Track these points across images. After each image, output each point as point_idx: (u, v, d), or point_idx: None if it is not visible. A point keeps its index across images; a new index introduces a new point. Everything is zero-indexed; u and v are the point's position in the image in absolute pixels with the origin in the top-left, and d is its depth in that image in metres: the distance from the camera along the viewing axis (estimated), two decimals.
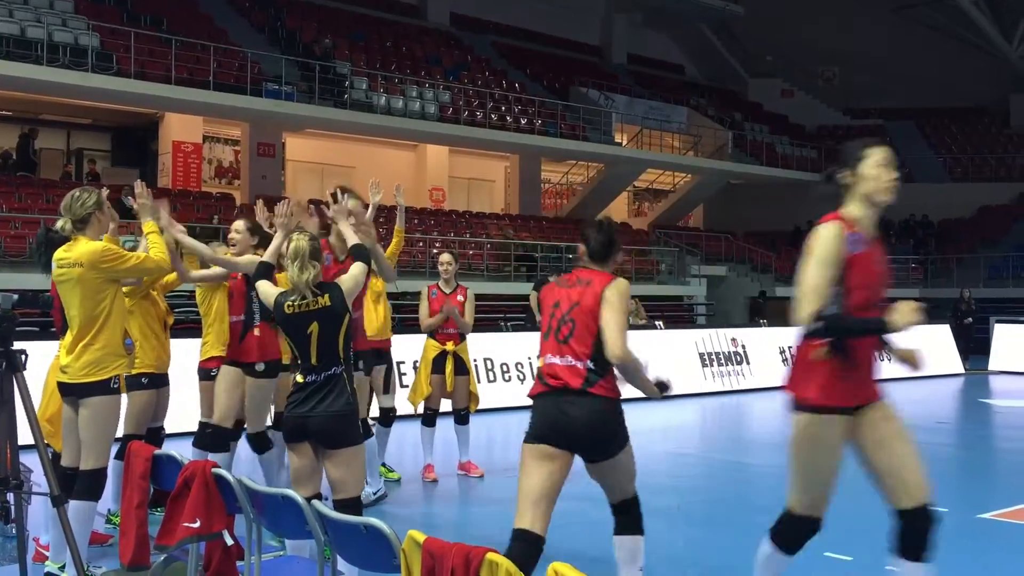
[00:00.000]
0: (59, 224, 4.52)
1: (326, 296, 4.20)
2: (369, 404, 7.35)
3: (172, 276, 5.84)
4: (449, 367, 7.34)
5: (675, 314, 22.20)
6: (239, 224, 5.85)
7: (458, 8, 28.39)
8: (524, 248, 21.73)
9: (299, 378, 4.22)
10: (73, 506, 4.35)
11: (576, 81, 27.27)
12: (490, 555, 2.73)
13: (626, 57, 32.06)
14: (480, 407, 10.30)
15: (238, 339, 5.69)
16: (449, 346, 7.37)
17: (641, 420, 11.70)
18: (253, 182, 21.50)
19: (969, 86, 32.06)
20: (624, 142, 26.56)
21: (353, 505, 4.19)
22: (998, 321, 19.15)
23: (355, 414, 4.28)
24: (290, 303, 4.20)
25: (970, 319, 19.54)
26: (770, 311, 22.98)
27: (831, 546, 5.49)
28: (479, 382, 11.48)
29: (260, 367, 5.65)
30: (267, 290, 4.39)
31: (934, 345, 17.86)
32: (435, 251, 18.16)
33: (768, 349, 15.23)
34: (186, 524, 3.87)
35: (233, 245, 5.85)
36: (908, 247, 28.48)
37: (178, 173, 21.73)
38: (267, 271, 4.49)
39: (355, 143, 24.43)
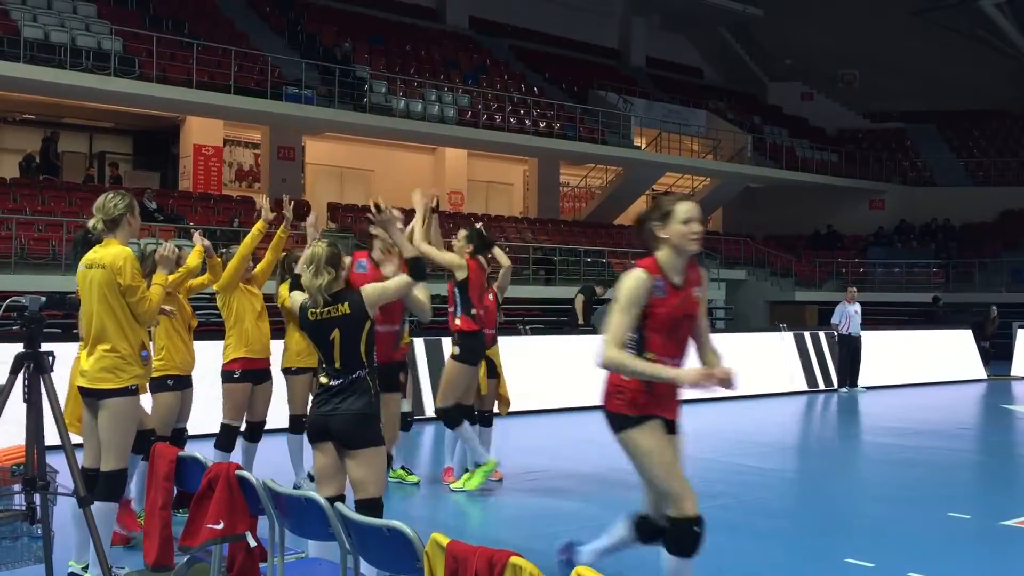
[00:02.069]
0: (92, 223, 4.57)
1: (345, 304, 4.26)
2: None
3: (201, 279, 5.90)
4: (482, 371, 7.34)
5: None
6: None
7: (476, 12, 28.45)
8: (543, 251, 21.73)
9: (323, 380, 4.32)
10: (94, 507, 4.39)
11: (594, 84, 27.26)
12: (514, 559, 2.74)
13: (645, 60, 32.02)
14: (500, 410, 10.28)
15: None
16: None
17: None
18: (273, 185, 21.60)
19: (991, 89, 31.80)
20: (643, 145, 26.52)
21: (374, 506, 4.25)
22: (1021, 327, 18.95)
23: (376, 416, 4.30)
24: (313, 311, 4.29)
25: (988, 343, 19.00)
26: (792, 315, 22.87)
27: (853, 552, 5.46)
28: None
29: None
30: (295, 298, 4.49)
31: (956, 350, 17.73)
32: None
33: (785, 353, 15.14)
34: (210, 525, 3.90)
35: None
36: (930, 251, 28.28)
37: (199, 176, 21.87)
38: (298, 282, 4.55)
39: (374, 146, 24.51)
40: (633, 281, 3.80)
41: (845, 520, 6.63)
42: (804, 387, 15.02)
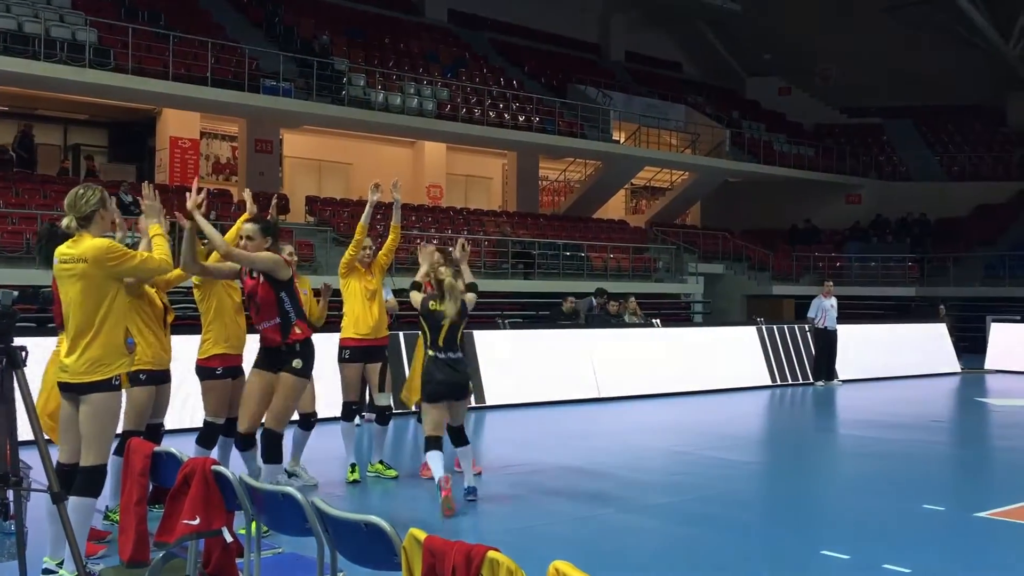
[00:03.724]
0: (64, 222, 4.52)
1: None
2: (362, 399, 7.40)
3: (174, 273, 5.84)
4: (416, 362, 7.34)
5: (672, 312, 22.21)
6: (250, 228, 5.69)
7: (456, 5, 28.37)
8: (522, 245, 21.74)
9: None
10: (72, 502, 4.35)
11: (574, 78, 27.26)
12: (491, 553, 2.74)
13: (624, 54, 32.05)
14: (477, 404, 10.29)
15: (281, 339, 5.64)
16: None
17: (639, 417, 11.75)
18: (251, 178, 21.47)
19: (966, 85, 32.08)
20: (622, 139, 26.57)
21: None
22: (994, 320, 19.17)
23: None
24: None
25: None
26: (770, 309, 23.02)
27: (828, 544, 5.51)
28: (478, 379, 11.50)
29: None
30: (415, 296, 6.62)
31: (931, 344, 17.91)
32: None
33: (761, 347, 15.24)
34: (185, 521, 3.87)
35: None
36: (905, 245, 28.53)
37: (175, 169, 21.70)
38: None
39: (353, 140, 24.41)
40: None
41: (821, 512, 6.69)
42: (780, 380, 15.13)
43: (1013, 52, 30.78)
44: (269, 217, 6.28)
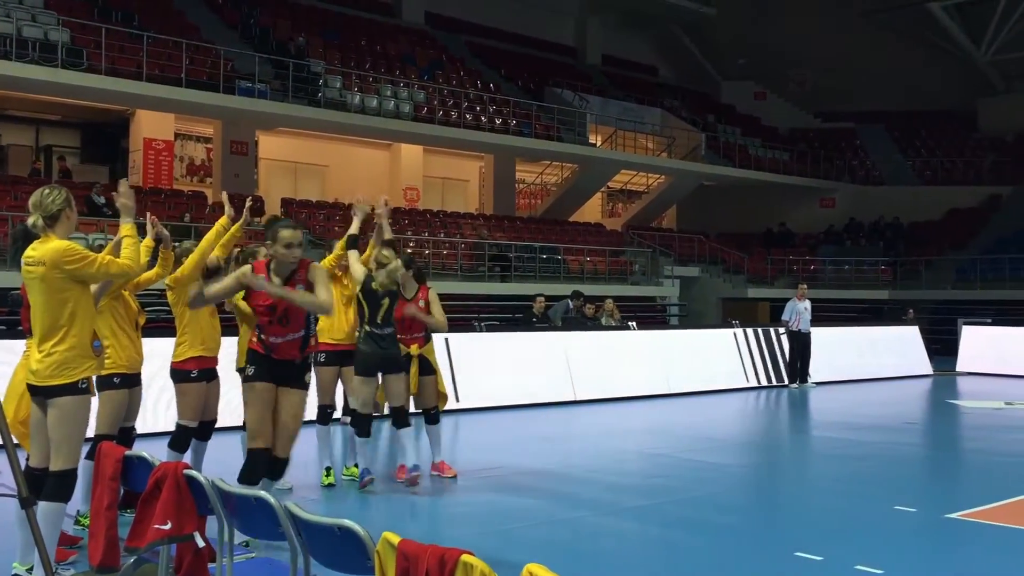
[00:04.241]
0: (30, 220, 4.47)
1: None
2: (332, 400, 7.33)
3: (147, 275, 5.78)
4: (414, 368, 7.32)
5: (648, 315, 22.29)
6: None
7: (432, 7, 28.36)
8: (498, 248, 21.74)
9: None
10: (42, 507, 4.30)
11: (550, 82, 27.32)
12: (465, 556, 2.73)
13: (600, 58, 32.17)
14: (454, 407, 10.27)
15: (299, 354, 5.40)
16: (413, 349, 7.35)
17: (616, 420, 11.77)
18: (225, 180, 21.35)
19: (938, 90, 32.46)
20: (598, 143, 26.65)
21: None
22: (965, 323, 19.37)
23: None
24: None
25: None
26: (745, 311, 23.16)
27: (802, 546, 5.54)
28: (453, 382, 11.48)
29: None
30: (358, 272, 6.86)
31: (903, 346, 18.08)
32: (408, 251, 18.11)
33: (737, 349, 15.33)
34: (157, 526, 3.84)
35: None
36: (878, 249, 28.80)
37: (149, 171, 21.53)
38: None
39: (329, 142, 24.33)
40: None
41: (794, 514, 6.73)
42: (755, 383, 15.21)
43: (984, 58, 31.19)
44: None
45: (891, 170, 31.68)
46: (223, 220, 6.19)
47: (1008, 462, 8.79)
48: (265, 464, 5.13)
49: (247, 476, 5.06)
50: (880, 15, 30.78)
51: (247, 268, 5.15)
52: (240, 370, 6.71)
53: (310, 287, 5.15)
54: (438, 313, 7.37)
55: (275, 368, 5.21)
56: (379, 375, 6.98)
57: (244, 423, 6.66)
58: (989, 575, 5.25)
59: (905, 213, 30.03)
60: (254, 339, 5.29)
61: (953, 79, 32.13)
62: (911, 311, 20.61)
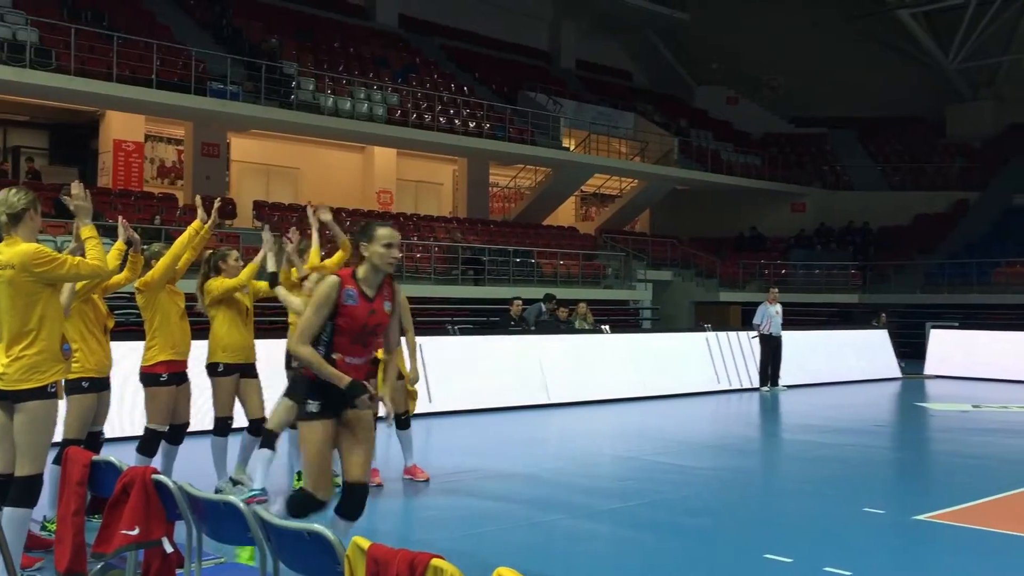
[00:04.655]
0: None
1: None
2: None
3: (117, 278, 5.73)
4: (380, 374, 7.25)
5: (621, 318, 22.37)
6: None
7: (407, 10, 28.31)
8: (472, 251, 21.73)
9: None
10: (7, 513, 4.24)
11: (524, 85, 27.36)
12: (435, 561, 2.73)
13: (574, 62, 32.25)
14: (427, 410, 10.25)
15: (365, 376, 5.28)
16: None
17: (588, 423, 11.79)
18: (197, 182, 21.18)
19: (908, 97, 32.84)
20: (572, 147, 26.72)
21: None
22: (933, 327, 19.60)
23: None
24: None
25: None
26: (717, 315, 23.30)
27: (772, 548, 5.58)
28: (425, 385, 11.45)
29: None
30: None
31: (873, 350, 18.27)
32: None
33: (708, 353, 15.41)
34: (124, 531, 3.80)
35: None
36: (848, 253, 29.08)
37: (119, 172, 21.32)
38: None
39: (301, 144, 24.21)
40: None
41: (765, 516, 6.77)
42: (727, 386, 15.30)
43: (952, 66, 31.61)
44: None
45: (861, 175, 32.01)
46: (196, 224, 6.16)
47: (975, 464, 8.90)
48: (316, 507, 4.37)
49: (297, 512, 4.36)
50: (851, 22, 31.11)
51: (336, 280, 4.32)
52: (211, 368, 6.66)
53: (393, 309, 4.53)
54: (411, 334, 7.29)
55: (330, 393, 4.37)
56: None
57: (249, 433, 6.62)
58: None
59: (875, 218, 30.35)
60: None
61: (922, 86, 32.54)
62: (883, 316, 20.84)
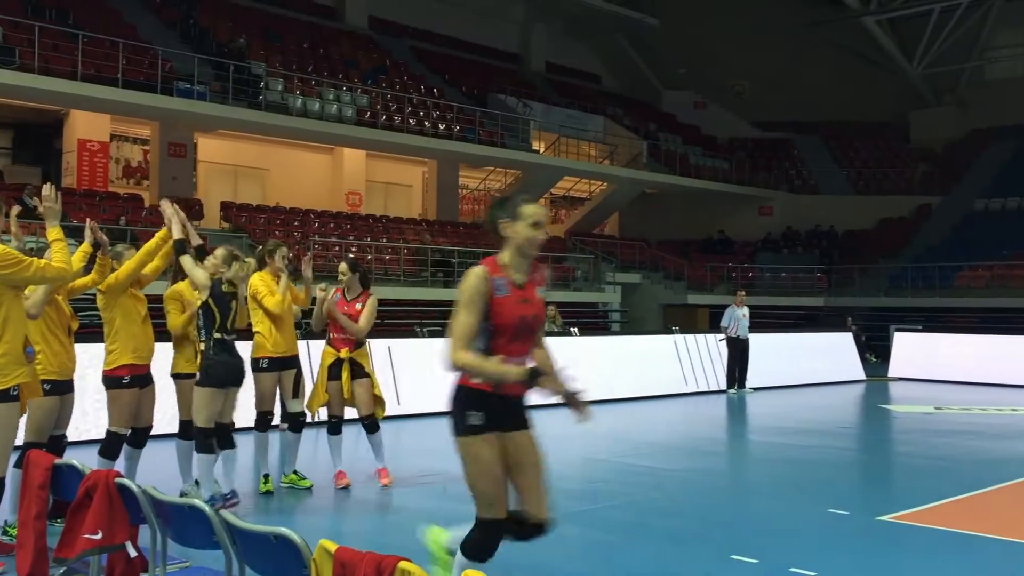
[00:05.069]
0: None
1: None
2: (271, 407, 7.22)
3: (83, 280, 5.67)
4: (345, 374, 7.22)
5: (590, 321, 22.43)
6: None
7: (376, 12, 28.22)
8: (441, 253, 21.69)
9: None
10: None
11: (494, 88, 27.38)
12: (402, 563, 2.72)
13: (544, 65, 32.33)
14: (396, 413, 10.21)
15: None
16: (343, 352, 7.28)
17: (557, 425, 11.81)
18: (163, 183, 20.97)
19: (872, 102, 33.27)
20: (541, 149, 26.77)
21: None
22: (897, 330, 19.85)
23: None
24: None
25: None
26: (685, 318, 23.43)
27: (738, 549, 5.62)
28: (395, 387, 11.42)
29: None
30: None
31: (838, 352, 18.46)
32: (350, 256, 17.99)
33: (676, 355, 15.51)
34: (87, 536, 3.75)
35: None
36: (814, 257, 29.39)
37: (83, 172, 21.05)
38: None
39: (270, 145, 24.05)
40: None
41: (732, 517, 6.82)
42: (695, 388, 15.40)
43: (916, 72, 32.06)
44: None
45: (827, 180, 32.37)
46: (163, 232, 6.11)
47: (938, 465, 9.02)
48: (501, 536, 3.88)
49: (480, 553, 3.82)
50: (818, 28, 31.46)
51: (482, 270, 3.73)
52: (175, 375, 6.60)
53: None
54: (363, 319, 7.24)
55: (507, 408, 3.83)
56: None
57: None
58: None
59: (840, 222, 30.69)
60: (476, 377, 3.78)
61: (887, 91, 32.97)
62: (850, 320, 21.10)
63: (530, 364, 3.82)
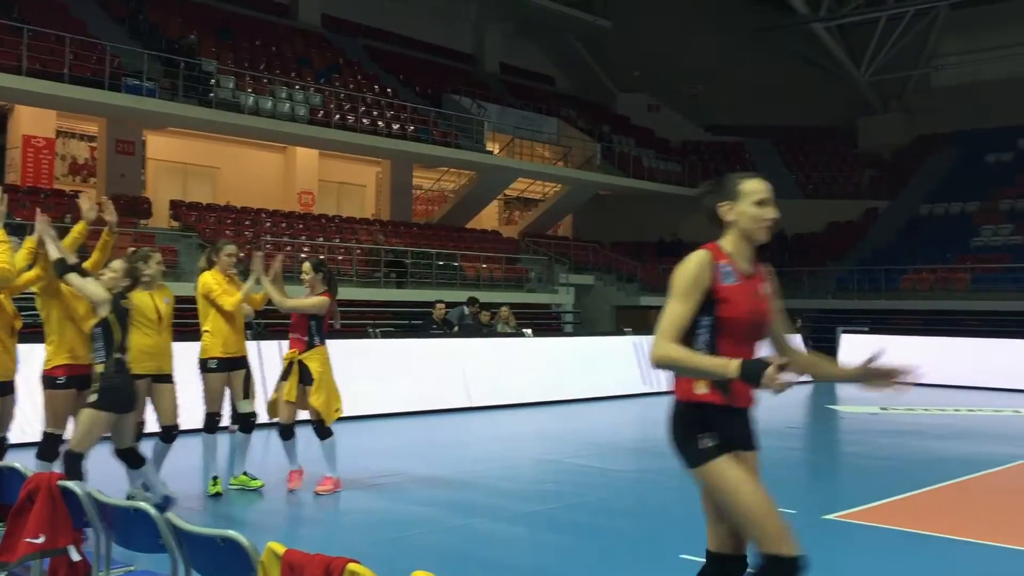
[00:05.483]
0: None
1: None
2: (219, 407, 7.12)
3: (28, 276, 5.55)
4: (293, 376, 7.16)
5: (544, 322, 22.49)
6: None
7: (329, 10, 28.02)
8: (394, 254, 21.60)
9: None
10: None
11: (449, 88, 27.33)
12: (351, 565, 2.71)
13: (498, 66, 32.35)
14: (349, 414, 10.15)
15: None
16: (292, 354, 7.22)
17: (510, 426, 11.83)
18: (111, 180, 20.60)
19: (821, 108, 33.81)
20: (496, 151, 26.79)
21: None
22: (844, 331, 20.18)
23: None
24: None
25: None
26: (638, 319, 23.60)
27: (687, 548, 5.68)
28: (344, 388, 11.33)
29: None
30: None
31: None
32: (303, 256, 17.84)
33: (629, 356, 15.62)
34: (29, 540, 3.68)
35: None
36: (764, 259, 29.71)
37: (28, 169, 20.60)
38: None
39: (221, 143, 23.75)
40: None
41: (681, 517, 6.88)
42: (646, 389, 15.52)
43: (864, 79, 32.66)
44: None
45: (776, 183, 32.27)
46: (80, 226, 6.01)
47: (883, 464, 9.20)
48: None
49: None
50: (769, 33, 31.90)
51: (706, 254, 3.24)
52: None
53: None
54: (296, 299, 7.20)
55: (741, 423, 3.36)
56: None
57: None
58: (864, 573, 5.48)
59: (789, 225, 31.11)
60: (702, 387, 3.21)
61: (836, 98, 33.53)
62: (799, 320, 21.42)
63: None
